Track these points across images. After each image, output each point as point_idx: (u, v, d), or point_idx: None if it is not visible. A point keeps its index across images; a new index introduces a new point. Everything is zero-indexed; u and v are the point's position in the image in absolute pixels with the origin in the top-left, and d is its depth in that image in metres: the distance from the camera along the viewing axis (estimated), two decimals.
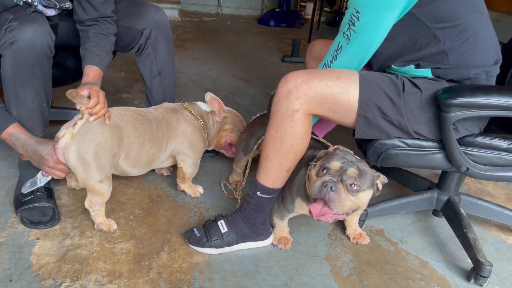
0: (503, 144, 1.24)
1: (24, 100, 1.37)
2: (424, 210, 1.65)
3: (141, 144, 1.46)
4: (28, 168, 1.49)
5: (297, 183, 1.30)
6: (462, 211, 1.47)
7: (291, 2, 5.48)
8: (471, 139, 1.25)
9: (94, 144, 1.32)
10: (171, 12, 4.70)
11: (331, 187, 1.11)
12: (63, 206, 1.51)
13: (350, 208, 1.15)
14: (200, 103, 1.73)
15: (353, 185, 1.12)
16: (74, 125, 1.33)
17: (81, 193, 1.58)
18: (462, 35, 1.19)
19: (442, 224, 1.63)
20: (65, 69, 1.70)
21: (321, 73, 1.21)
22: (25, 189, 1.43)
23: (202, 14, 5.32)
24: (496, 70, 1.25)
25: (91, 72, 1.46)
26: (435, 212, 1.68)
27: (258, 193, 1.33)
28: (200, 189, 1.67)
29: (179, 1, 4.91)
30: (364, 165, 1.16)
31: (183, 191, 1.66)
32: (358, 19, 1.17)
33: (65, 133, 1.33)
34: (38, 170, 1.45)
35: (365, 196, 1.15)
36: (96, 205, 1.38)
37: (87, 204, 1.38)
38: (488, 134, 1.26)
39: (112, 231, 1.41)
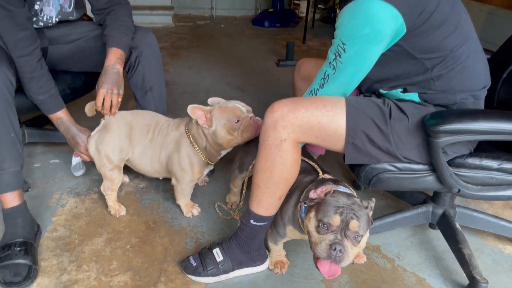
0: (494, 164, 1.24)
1: None
2: None
3: (142, 143, 1.62)
4: (12, 218, 1.43)
5: (288, 211, 1.30)
6: (457, 226, 1.47)
7: (284, 1, 5.44)
8: (462, 160, 1.24)
9: (106, 136, 1.58)
10: (165, 19, 4.66)
11: (340, 250, 1.06)
12: (60, 238, 1.52)
13: (354, 256, 1.13)
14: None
15: (356, 237, 1.09)
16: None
17: (78, 224, 1.60)
18: (450, 63, 1.17)
19: (438, 237, 1.62)
20: (60, 92, 1.69)
21: (307, 101, 1.21)
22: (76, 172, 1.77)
23: (196, 18, 5.29)
24: (484, 93, 1.24)
25: (110, 54, 1.62)
26: (431, 225, 1.67)
27: (252, 221, 1.33)
28: (194, 211, 1.68)
29: (172, 6, 4.87)
30: (358, 206, 1.11)
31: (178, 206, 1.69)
32: (344, 51, 1.16)
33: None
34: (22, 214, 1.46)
35: (365, 239, 1.13)
36: (107, 190, 1.63)
37: (102, 188, 1.65)
38: (478, 154, 1.25)
39: (118, 216, 1.64)
